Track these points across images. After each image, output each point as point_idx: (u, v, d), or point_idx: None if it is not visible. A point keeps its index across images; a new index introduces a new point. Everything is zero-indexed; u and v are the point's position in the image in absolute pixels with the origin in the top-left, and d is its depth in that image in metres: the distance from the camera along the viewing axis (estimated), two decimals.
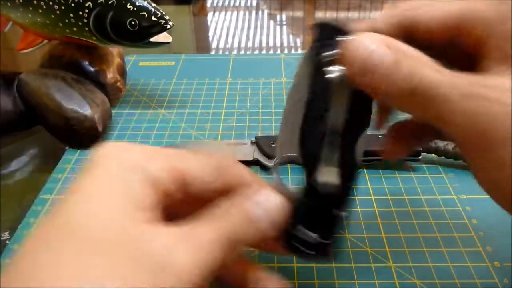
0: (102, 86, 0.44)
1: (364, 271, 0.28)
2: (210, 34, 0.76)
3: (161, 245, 0.16)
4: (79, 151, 0.40)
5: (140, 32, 0.39)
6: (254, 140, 0.39)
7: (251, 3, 0.89)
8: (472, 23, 0.19)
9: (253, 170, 0.31)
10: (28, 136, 0.43)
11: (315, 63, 0.20)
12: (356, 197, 0.34)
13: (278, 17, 0.83)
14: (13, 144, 0.42)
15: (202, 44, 0.72)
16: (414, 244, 0.29)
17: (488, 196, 0.19)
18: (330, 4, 0.88)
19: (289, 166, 0.37)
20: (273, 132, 0.42)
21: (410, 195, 0.34)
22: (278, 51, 0.67)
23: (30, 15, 0.42)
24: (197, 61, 0.56)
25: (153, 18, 0.39)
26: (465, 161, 0.35)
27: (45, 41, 0.45)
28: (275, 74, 0.52)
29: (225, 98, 0.48)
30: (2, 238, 0.31)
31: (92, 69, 0.44)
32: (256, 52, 0.67)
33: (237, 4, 0.88)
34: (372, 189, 0.34)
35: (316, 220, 0.21)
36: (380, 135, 0.37)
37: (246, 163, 0.36)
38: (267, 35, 0.73)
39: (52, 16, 0.41)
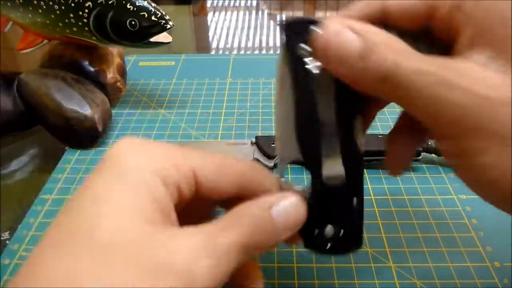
0: (102, 86, 0.44)
1: (364, 271, 0.28)
2: (210, 34, 0.76)
3: (182, 255, 0.16)
4: (79, 151, 0.40)
5: (140, 32, 0.39)
6: (254, 140, 0.39)
7: (251, 3, 0.89)
8: (438, 4, 0.19)
9: None
10: (28, 136, 0.43)
11: (293, 60, 0.20)
12: None
13: (278, 17, 0.83)
14: (13, 144, 0.42)
15: (202, 44, 0.72)
16: (414, 244, 0.29)
17: None
18: (330, 4, 0.88)
19: (289, 166, 0.37)
20: (273, 132, 0.41)
21: (410, 195, 0.34)
22: (278, 51, 0.67)
23: (30, 15, 0.42)
24: (197, 61, 0.56)
25: (153, 18, 0.39)
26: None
27: (45, 41, 0.45)
28: (275, 74, 0.52)
29: (225, 98, 0.48)
30: (2, 238, 0.31)
31: (92, 69, 0.44)
32: (256, 52, 0.67)
33: (237, 4, 0.88)
34: (372, 189, 0.34)
35: (328, 214, 0.21)
36: (380, 135, 0.37)
37: None
38: (267, 35, 0.73)
39: (52, 16, 0.41)
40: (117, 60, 0.47)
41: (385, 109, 0.23)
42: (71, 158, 0.39)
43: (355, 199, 0.21)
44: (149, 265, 0.15)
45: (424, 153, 0.37)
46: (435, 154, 0.37)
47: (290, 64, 0.20)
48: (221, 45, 0.70)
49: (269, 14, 0.84)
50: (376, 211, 0.32)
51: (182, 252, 0.16)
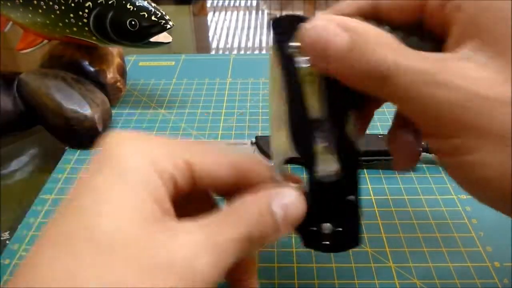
0: (102, 86, 0.44)
1: (364, 271, 0.28)
2: (210, 34, 0.76)
3: (182, 254, 0.16)
4: (79, 151, 0.40)
5: (140, 32, 0.39)
6: (254, 140, 0.39)
7: (251, 3, 0.89)
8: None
9: None
10: (28, 136, 0.43)
11: (283, 57, 0.20)
12: None
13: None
14: (13, 144, 0.42)
15: (202, 44, 0.72)
16: (414, 244, 0.29)
17: None
18: (330, 4, 0.88)
19: (289, 166, 0.37)
20: None
21: (410, 195, 0.34)
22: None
23: (30, 15, 0.42)
24: (197, 61, 0.56)
25: (153, 18, 0.39)
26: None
27: (45, 41, 0.45)
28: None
29: (225, 98, 0.48)
30: (2, 238, 0.31)
31: (92, 69, 0.44)
32: (256, 52, 0.67)
33: (237, 4, 0.88)
34: (372, 189, 0.34)
35: (325, 211, 0.21)
36: (380, 135, 0.37)
37: None
38: (267, 35, 0.73)
39: (52, 16, 0.41)
40: (117, 60, 0.47)
41: (385, 109, 0.23)
42: (71, 158, 0.39)
43: (351, 197, 0.21)
44: (149, 265, 0.15)
45: (424, 153, 0.37)
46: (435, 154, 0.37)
47: (281, 62, 0.20)
48: (221, 45, 0.70)
49: (269, 14, 0.84)
50: (376, 211, 0.32)
51: (182, 251, 0.16)
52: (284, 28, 0.20)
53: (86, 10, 0.39)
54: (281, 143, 0.21)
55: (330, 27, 0.17)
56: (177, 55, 0.58)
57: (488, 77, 0.16)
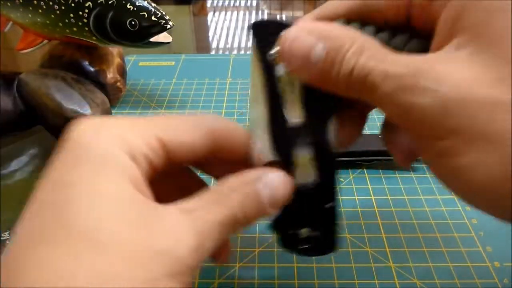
0: (102, 86, 0.44)
1: (364, 271, 0.28)
2: (210, 34, 0.76)
3: (166, 239, 0.15)
4: None
5: (140, 32, 0.39)
6: None
7: (251, 3, 0.89)
8: None
9: None
10: (28, 136, 0.43)
11: (263, 63, 0.20)
12: (356, 197, 0.34)
13: (278, 17, 0.83)
14: (13, 144, 0.42)
15: (202, 44, 0.72)
16: (414, 244, 0.29)
17: None
18: None
19: None
20: None
21: (410, 195, 0.34)
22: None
23: (30, 15, 0.42)
24: (197, 61, 0.56)
25: (153, 18, 0.39)
26: None
27: (45, 41, 0.45)
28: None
29: (225, 98, 0.48)
30: (2, 238, 0.31)
31: (92, 69, 0.44)
32: None
33: (237, 4, 0.88)
34: (372, 189, 0.34)
35: (302, 217, 0.21)
36: (380, 135, 0.37)
37: None
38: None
39: (52, 16, 0.41)
40: (117, 60, 0.47)
41: None
42: None
43: (329, 204, 0.21)
44: (133, 254, 0.15)
45: None
46: None
47: (261, 68, 0.20)
48: (221, 45, 0.70)
49: (269, 14, 0.84)
50: (376, 211, 0.32)
51: (165, 237, 0.15)
52: (264, 34, 0.19)
53: (86, 10, 0.39)
54: (261, 147, 0.20)
55: (306, 38, 0.17)
56: (177, 55, 0.58)
57: (469, 77, 0.15)
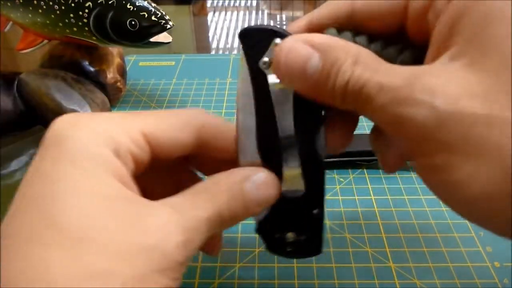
0: (102, 86, 0.44)
1: (364, 271, 0.28)
2: (210, 34, 0.76)
3: (153, 234, 0.15)
4: None
5: (140, 32, 0.39)
6: None
7: (251, 3, 0.89)
8: (410, 3, 0.18)
9: None
10: (28, 136, 0.43)
11: (253, 70, 0.19)
12: (356, 197, 0.34)
13: (278, 17, 0.83)
14: (13, 144, 0.42)
15: (202, 44, 0.72)
16: (414, 244, 0.29)
17: None
18: None
19: None
20: None
21: (410, 195, 0.34)
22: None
23: (30, 15, 0.42)
24: (197, 61, 0.56)
25: (153, 18, 0.39)
26: None
27: (45, 41, 0.45)
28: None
29: (225, 98, 0.48)
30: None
31: (92, 69, 0.44)
32: None
33: (237, 4, 0.88)
34: (372, 189, 0.34)
35: (289, 222, 0.22)
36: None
37: None
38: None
39: (52, 16, 0.41)
40: (117, 60, 0.47)
41: None
42: None
43: (316, 211, 0.21)
44: (120, 250, 0.15)
45: None
46: None
47: (250, 74, 0.19)
48: (221, 45, 0.70)
49: (269, 14, 0.84)
50: (376, 211, 0.32)
51: (152, 233, 0.16)
52: (254, 41, 0.19)
53: (86, 10, 0.39)
54: (248, 154, 0.20)
55: (302, 50, 0.17)
56: (177, 55, 0.58)
57: (463, 89, 0.15)
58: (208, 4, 0.89)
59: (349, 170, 0.36)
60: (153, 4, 0.40)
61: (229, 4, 0.89)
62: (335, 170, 0.36)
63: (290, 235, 0.22)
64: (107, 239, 0.15)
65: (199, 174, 0.24)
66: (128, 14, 0.39)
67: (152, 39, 0.40)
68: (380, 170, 0.36)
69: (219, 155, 0.21)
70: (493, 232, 0.16)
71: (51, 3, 0.40)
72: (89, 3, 0.39)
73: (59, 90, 0.40)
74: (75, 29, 0.41)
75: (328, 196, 0.34)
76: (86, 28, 0.40)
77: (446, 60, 0.16)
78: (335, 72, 0.17)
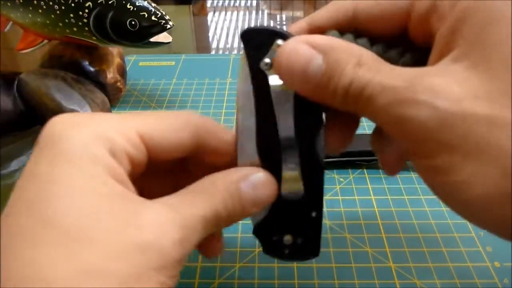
0: (102, 86, 0.44)
1: (364, 271, 0.28)
2: (210, 34, 0.76)
3: (150, 232, 0.15)
4: None
5: (140, 32, 0.39)
6: None
7: (251, 3, 0.89)
8: (414, 5, 0.18)
9: None
10: (28, 136, 0.43)
11: (253, 71, 0.19)
12: (356, 197, 0.34)
13: (278, 17, 0.83)
14: (13, 144, 0.42)
15: (202, 44, 0.73)
16: (414, 244, 0.29)
17: None
18: None
19: None
20: None
21: (410, 195, 0.34)
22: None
23: (30, 15, 0.42)
24: (197, 61, 0.56)
25: (153, 18, 0.39)
26: None
27: (45, 41, 0.45)
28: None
29: (225, 98, 0.48)
30: None
31: (92, 69, 0.44)
32: None
33: (237, 4, 0.88)
34: (372, 189, 0.34)
35: (287, 224, 0.22)
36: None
37: None
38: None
39: (52, 16, 0.41)
40: (117, 60, 0.47)
41: None
42: None
43: (314, 213, 0.21)
44: (117, 248, 0.15)
45: None
46: None
47: (251, 74, 0.19)
48: (221, 45, 0.70)
49: (269, 14, 0.84)
50: (376, 211, 0.32)
51: (149, 231, 0.16)
52: (256, 42, 0.19)
53: (86, 10, 0.39)
54: (247, 155, 0.20)
55: (304, 51, 0.17)
56: (177, 55, 0.58)
57: (465, 91, 0.15)
58: (208, 4, 0.89)
59: (349, 170, 0.36)
60: (153, 4, 0.40)
61: (229, 4, 0.89)
62: (335, 170, 0.36)
63: (287, 238, 0.22)
64: (104, 238, 0.15)
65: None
66: (128, 14, 0.39)
67: (152, 39, 0.40)
68: (380, 170, 0.36)
69: (216, 157, 0.21)
70: (493, 233, 0.16)
71: (51, 3, 0.40)
72: (89, 3, 0.39)
73: (59, 90, 0.40)
74: (75, 29, 0.41)
75: (328, 196, 0.34)
76: (86, 28, 0.40)
77: (448, 62, 0.16)
78: (337, 73, 0.17)
